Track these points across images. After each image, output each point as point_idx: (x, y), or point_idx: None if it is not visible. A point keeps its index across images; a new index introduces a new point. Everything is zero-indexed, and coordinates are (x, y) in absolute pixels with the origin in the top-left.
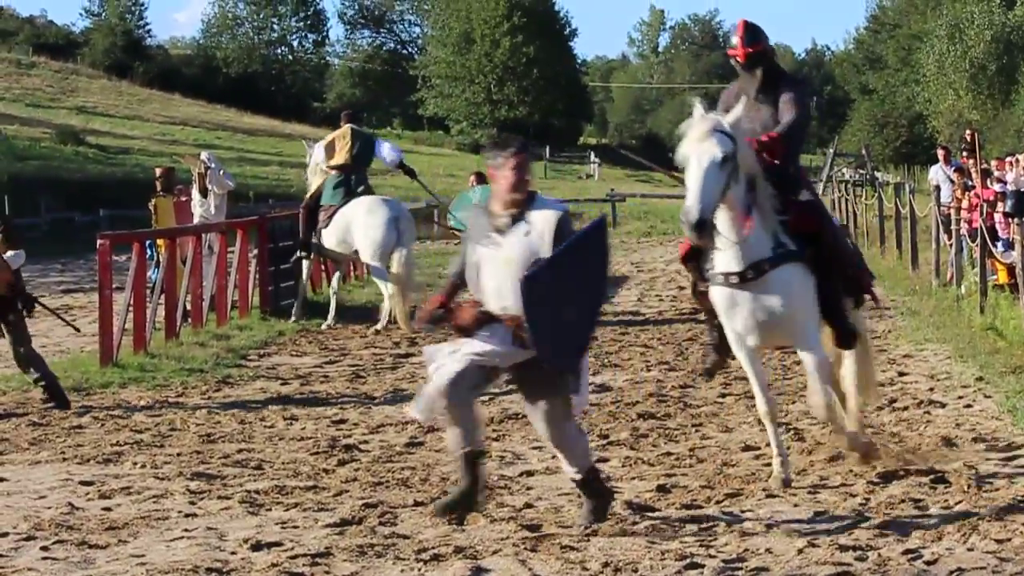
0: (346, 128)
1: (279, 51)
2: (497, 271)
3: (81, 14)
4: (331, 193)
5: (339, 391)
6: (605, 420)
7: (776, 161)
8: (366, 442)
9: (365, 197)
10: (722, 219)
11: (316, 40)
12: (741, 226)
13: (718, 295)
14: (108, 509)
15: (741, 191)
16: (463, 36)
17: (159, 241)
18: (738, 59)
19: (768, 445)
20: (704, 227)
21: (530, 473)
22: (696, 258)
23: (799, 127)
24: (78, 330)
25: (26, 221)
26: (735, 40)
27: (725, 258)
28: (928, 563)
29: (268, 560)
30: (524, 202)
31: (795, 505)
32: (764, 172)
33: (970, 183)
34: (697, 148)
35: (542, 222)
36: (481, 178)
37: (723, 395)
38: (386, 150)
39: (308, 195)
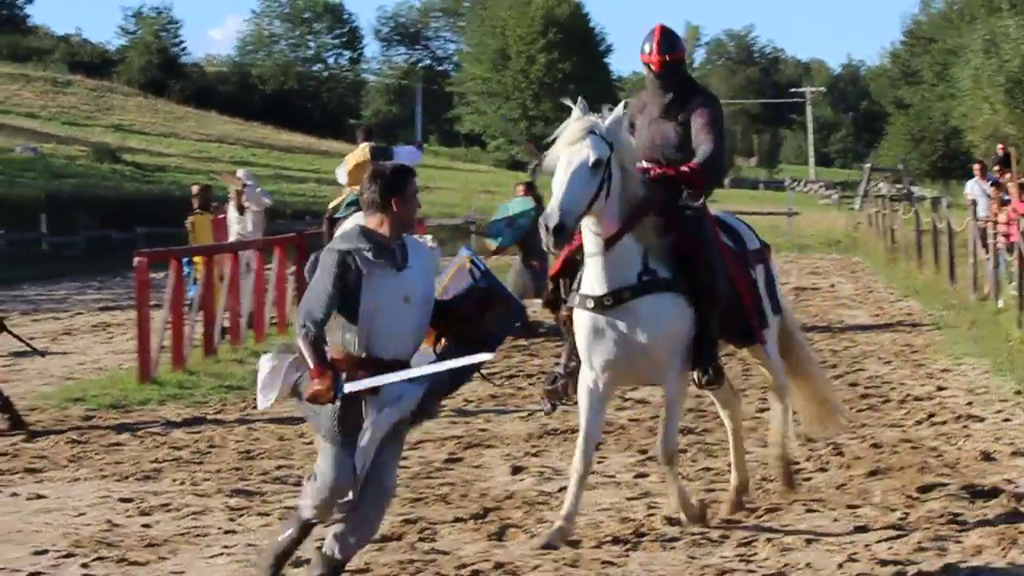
0: (364, 148)
1: (315, 68)
2: (399, 311)
3: (116, 32)
4: (344, 208)
5: None
6: (644, 436)
7: (697, 192)
8: (405, 458)
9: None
10: (588, 232)
11: (352, 57)
12: (608, 242)
13: (578, 319)
14: (147, 526)
15: (614, 203)
16: (499, 53)
17: (196, 259)
18: (652, 66)
19: (808, 460)
20: (562, 234)
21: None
22: (571, 274)
23: (719, 156)
24: (43, 354)
25: (63, 239)
26: (649, 46)
27: (590, 279)
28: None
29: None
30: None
31: (835, 520)
32: (649, 186)
33: (1006, 197)
34: (568, 150)
35: (421, 257)
36: (530, 189)
37: (761, 410)
38: (405, 154)
39: (329, 207)
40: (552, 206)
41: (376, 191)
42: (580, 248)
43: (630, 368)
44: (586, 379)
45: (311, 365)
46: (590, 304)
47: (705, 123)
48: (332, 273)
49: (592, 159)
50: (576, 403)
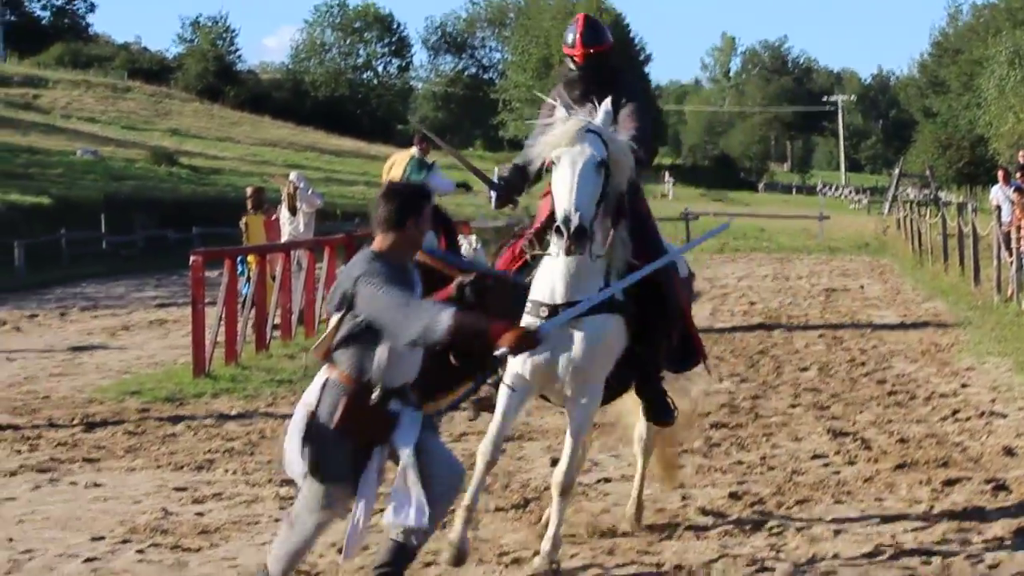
0: (406, 154)
1: (365, 75)
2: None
3: (174, 40)
4: None
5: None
6: (678, 429)
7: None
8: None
9: None
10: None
11: (400, 65)
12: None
13: (522, 321)
14: (201, 514)
15: (610, 208)
16: (542, 61)
17: (250, 257)
18: (575, 59)
19: (836, 454)
20: (583, 236)
21: (607, 480)
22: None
23: (648, 139)
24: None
25: (122, 239)
26: (572, 37)
27: (548, 283)
28: (990, 567)
29: (355, 563)
30: None
31: (862, 511)
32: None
33: None
34: (570, 149)
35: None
36: None
37: (793, 406)
38: (435, 183)
39: None
40: (567, 207)
41: (393, 209)
42: (532, 247)
43: (553, 382)
44: (511, 380)
45: (488, 328)
46: (544, 312)
47: (630, 112)
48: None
49: (598, 159)
50: None
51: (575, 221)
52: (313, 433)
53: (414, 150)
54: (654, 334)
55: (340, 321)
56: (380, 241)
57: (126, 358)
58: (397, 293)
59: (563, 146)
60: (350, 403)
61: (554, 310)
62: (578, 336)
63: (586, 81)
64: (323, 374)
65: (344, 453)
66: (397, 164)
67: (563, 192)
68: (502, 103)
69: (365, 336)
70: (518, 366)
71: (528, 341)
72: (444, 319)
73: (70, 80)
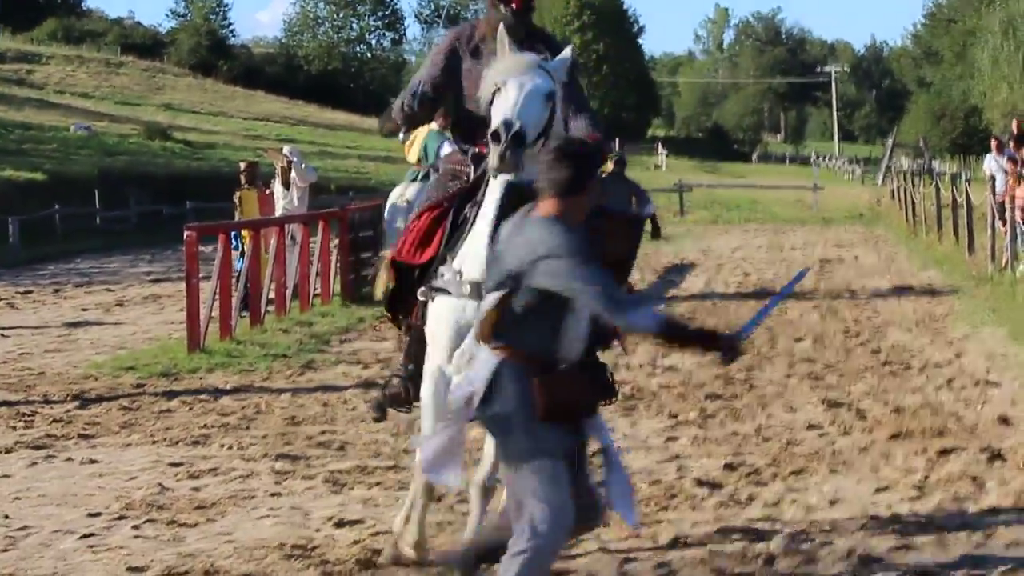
0: (424, 129)
1: (358, 49)
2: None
3: (167, 15)
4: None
5: None
6: (675, 400)
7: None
8: None
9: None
10: (493, 190)
11: (394, 38)
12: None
13: (443, 305)
14: (197, 489)
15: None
16: None
17: (244, 232)
18: (513, 5)
19: (832, 424)
20: (521, 144)
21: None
22: (400, 268)
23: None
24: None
25: (116, 214)
26: None
27: (474, 256)
28: (986, 536)
29: (351, 537)
30: None
31: (857, 481)
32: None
33: (1022, 172)
34: (520, 75)
35: None
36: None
37: (788, 376)
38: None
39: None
40: (509, 115)
41: (574, 173)
42: (442, 217)
43: None
44: (436, 378)
45: (699, 339)
46: (467, 290)
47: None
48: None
49: (546, 89)
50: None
51: (515, 126)
52: (506, 424)
53: (434, 124)
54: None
55: (506, 298)
56: (555, 206)
57: (121, 333)
58: (599, 276)
59: (513, 74)
60: (547, 382)
61: (476, 288)
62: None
63: (517, 30)
64: (489, 358)
65: (552, 432)
66: (418, 138)
67: (507, 105)
68: None
69: (545, 310)
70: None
71: (738, 348)
72: (653, 321)
73: (63, 55)
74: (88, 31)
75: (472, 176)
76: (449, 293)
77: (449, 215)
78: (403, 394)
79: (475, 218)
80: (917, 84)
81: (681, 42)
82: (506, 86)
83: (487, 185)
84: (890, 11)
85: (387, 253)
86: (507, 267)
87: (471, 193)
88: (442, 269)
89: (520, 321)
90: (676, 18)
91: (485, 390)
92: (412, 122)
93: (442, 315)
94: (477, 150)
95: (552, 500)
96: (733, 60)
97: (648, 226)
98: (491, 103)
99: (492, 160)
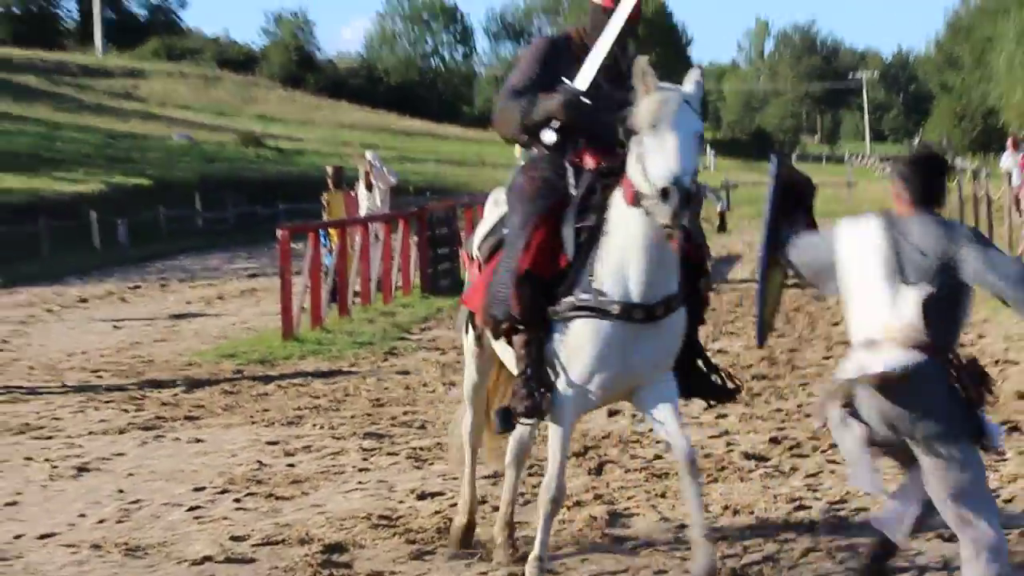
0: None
1: (432, 62)
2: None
3: (259, 33)
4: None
5: None
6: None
7: None
8: None
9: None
10: (643, 218)
11: (465, 52)
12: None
13: (595, 327)
14: (292, 465)
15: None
16: None
17: (331, 231)
18: (630, 18)
19: None
20: (690, 200)
21: None
22: (535, 280)
23: None
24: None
25: (215, 215)
26: None
27: (632, 278)
28: (1006, 501)
29: (432, 508)
30: None
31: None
32: None
33: None
34: (673, 117)
35: None
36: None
37: (826, 357)
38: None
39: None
40: (679, 165)
41: (941, 178)
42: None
43: (624, 388)
44: (574, 396)
45: None
46: (639, 315)
47: None
48: None
49: (699, 129)
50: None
51: (687, 185)
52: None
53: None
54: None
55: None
56: (918, 207)
57: (221, 324)
58: (1009, 260)
59: (666, 116)
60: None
61: (650, 312)
62: (665, 341)
63: (624, 42)
64: (901, 358)
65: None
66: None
67: (669, 156)
68: None
69: (954, 302)
70: (592, 376)
71: None
72: None
73: (165, 71)
74: (188, 48)
75: (574, 188)
76: (592, 312)
77: (568, 228)
78: (532, 406)
79: (601, 238)
80: (940, 88)
81: (726, 52)
82: (661, 129)
83: (609, 209)
84: (915, 21)
85: (513, 262)
86: (920, 265)
87: (584, 207)
88: (577, 291)
89: (936, 316)
90: (720, 30)
91: (903, 401)
92: (531, 131)
93: (590, 335)
94: (577, 160)
95: (998, 526)
96: (773, 68)
97: (716, 220)
98: (633, 135)
99: (662, 217)
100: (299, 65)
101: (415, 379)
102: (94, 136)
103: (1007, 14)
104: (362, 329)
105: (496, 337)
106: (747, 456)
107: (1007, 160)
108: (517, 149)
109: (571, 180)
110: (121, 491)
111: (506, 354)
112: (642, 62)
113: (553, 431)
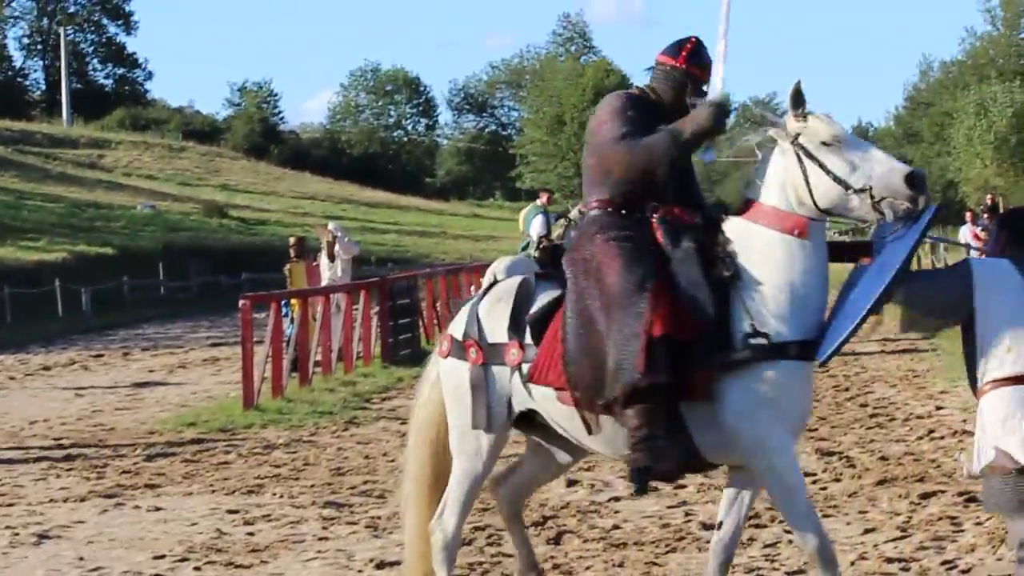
0: (528, 207)
1: (395, 134)
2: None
3: (224, 104)
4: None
5: None
6: None
7: None
8: None
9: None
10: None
11: (427, 124)
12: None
13: (782, 372)
14: (251, 534)
15: None
16: (555, 119)
17: (293, 301)
18: (704, 81)
19: (824, 471)
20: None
21: (617, 499)
22: (670, 343)
23: None
24: None
25: (178, 284)
26: (705, 54)
27: (791, 314)
28: (963, 572)
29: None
30: None
31: (847, 523)
32: None
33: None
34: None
35: None
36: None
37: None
38: (535, 223)
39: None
40: (904, 165)
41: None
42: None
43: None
44: (790, 443)
45: None
46: (793, 351)
47: None
48: None
49: None
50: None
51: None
52: None
53: (539, 200)
54: None
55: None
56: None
57: (183, 393)
58: None
59: (844, 132)
60: None
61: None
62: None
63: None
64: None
65: None
66: (526, 211)
67: (879, 154)
68: (519, 157)
69: None
70: (785, 424)
71: None
72: None
73: (131, 141)
74: (153, 119)
75: (665, 240)
76: (750, 359)
77: (700, 287)
78: (675, 468)
79: (739, 283)
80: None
81: None
82: (848, 141)
83: (745, 252)
84: (874, 95)
85: (634, 329)
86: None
87: (708, 259)
88: (739, 340)
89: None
90: None
91: None
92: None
93: (776, 382)
94: (660, 214)
95: None
96: (732, 141)
97: None
98: (801, 155)
99: (922, 201)
100: (263, 136)
101: (375, 448)
102: (59, 205)
103: (966, 88)
104: (323, 399)
105: (602, 412)
106: (706, 526)
107: (965, 232)
108: (521, 221)
109: (664, 239)
110: (81, 559)
111: (572, 423)
112: (799, 84)
113: (787, 490)
